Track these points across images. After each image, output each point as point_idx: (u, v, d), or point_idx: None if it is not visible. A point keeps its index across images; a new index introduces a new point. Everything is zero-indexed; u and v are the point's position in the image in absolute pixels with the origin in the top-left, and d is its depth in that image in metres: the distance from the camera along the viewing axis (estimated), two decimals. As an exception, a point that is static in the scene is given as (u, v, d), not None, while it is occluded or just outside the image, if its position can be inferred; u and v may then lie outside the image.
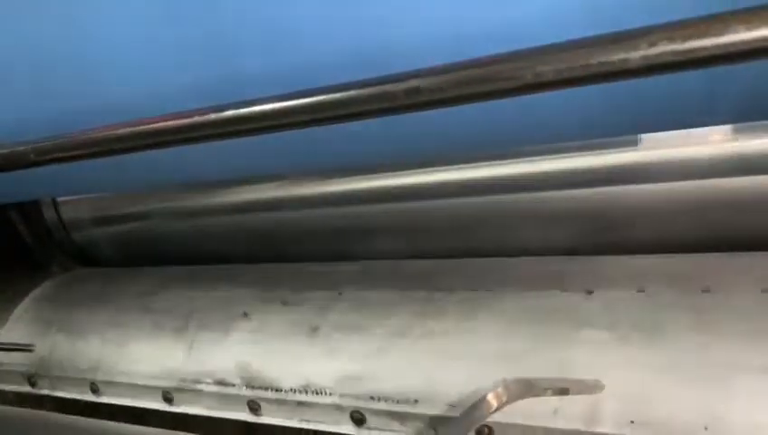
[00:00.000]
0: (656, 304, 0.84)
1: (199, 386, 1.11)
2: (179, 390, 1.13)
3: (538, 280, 0.94)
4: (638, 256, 0.95)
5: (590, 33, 0.52)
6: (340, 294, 1.06)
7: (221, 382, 1.09)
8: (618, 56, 0.49)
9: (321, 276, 1.14)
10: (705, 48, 0.46)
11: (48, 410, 1.33)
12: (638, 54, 0.48)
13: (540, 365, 0.84)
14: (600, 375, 0.81)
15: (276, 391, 1.03)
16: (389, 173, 1.15)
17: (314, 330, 1.03)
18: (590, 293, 0.89)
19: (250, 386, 1.05)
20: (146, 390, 1.17)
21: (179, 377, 1.13)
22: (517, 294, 0.93)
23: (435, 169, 1.11)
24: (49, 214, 1.61)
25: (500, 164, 1.05)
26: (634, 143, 0.95)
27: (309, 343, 1.02)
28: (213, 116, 0.71)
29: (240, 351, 1.09)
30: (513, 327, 0.89)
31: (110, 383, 1.22)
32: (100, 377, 1.24)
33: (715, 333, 0.79)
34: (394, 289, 1.03)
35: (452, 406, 0.86)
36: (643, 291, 0.86)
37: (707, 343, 0.78)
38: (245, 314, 1.11)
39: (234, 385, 1.07)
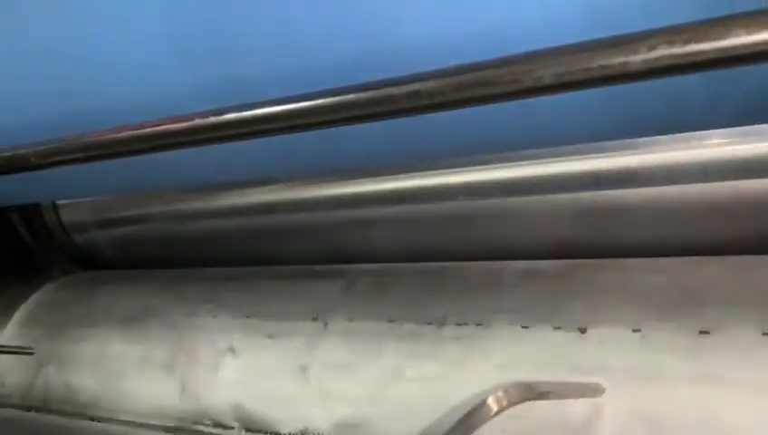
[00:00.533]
0: (652, 347, 0.79)
1: (199, 427, 1.10)
2: (181, 430, 1.12)
3: (530, 313, 0.90)
4: (633, 278, 0.91)
5: (591, 36, 0.52)
6: (325, 325, 1.04)
7: (219, 424, 1.08)
8: (618, 60, 0.49)
9: (304, 301, 1.10)
10: (705, 52, 0.46)
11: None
12: (638, 58, 0.48)
13: (534, 413, 0.82)
14: (595, 427, 0.78)
15: None
16: (391, 176, 1.15)
17: (304, 369, 1.01)
18: (583, 331, 0.85)
19: (248, 429, 1.05)
20: (148, 428, 1.16)
21: (178, 416, 1.13)
22: (509, 330, 0.89)
23: (433, 172, 1.11)
24: (50, 216, 1.61)
25: (500, 167, 1.05)
26: (635, 146, 0.95)
27: (301, 384, 1.01)
28: (213, 119, 0.71)
29: (232, 392, 1.07)
30: (506, 371, 0.86)
31: (110, 420, 1.22)
32: (100, 413, 1.23)
33: (715, 383, 0.75)
34: (381, 319, 1.00)
35: None
36: (639, 330, 0.81)
37: (707, 394, 0.75)
38: (232, 350, 1.10)
39: (232, 428, 1.06)
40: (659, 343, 0.80)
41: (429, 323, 0.95)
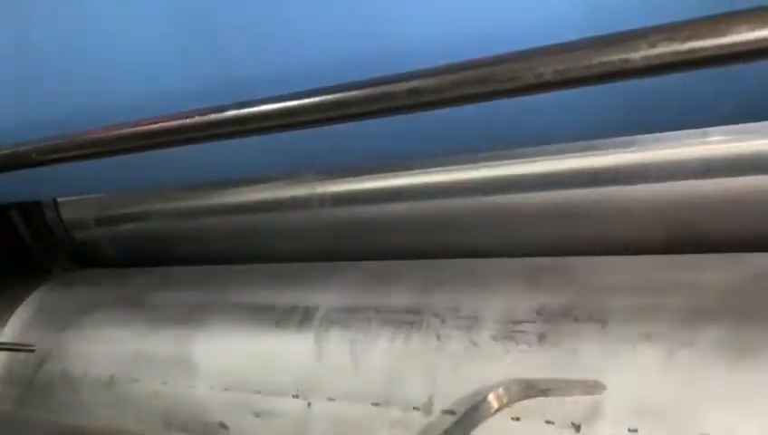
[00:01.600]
0: None
1: None
2: None
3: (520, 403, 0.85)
4: (621, 350, 0.83)
5: (591, 33, 0.52)
6: (308, 404, 1.02)
7: None
8: (618, 57, 0.49)
9: (279, 371, 1.08)
10: (705, 49, 0.46)
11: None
12: (638, 55, 0.48)
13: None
14: None
15: None
16: (390, 174, 1.15)
17: None
18: (577, 429, 0.80)
19: None
20: None
21: None
22: (498, 422, 0.83)
23: (433, 170, 1.10)
24: (50, 214, 1.61)
25: (500, 165, 1.05)
26: (635, 144, 0.95)
27: None
28: (213, 116, 0.71)
29: None
30: None
31: None
32: None
33: None
34: (364, 400, 0.97)
35: None
36: (636, 431, 0.77)
37: None
38: (224, 426, 1.09)
39: None
40: None
41: (416, 409, 0.92)
